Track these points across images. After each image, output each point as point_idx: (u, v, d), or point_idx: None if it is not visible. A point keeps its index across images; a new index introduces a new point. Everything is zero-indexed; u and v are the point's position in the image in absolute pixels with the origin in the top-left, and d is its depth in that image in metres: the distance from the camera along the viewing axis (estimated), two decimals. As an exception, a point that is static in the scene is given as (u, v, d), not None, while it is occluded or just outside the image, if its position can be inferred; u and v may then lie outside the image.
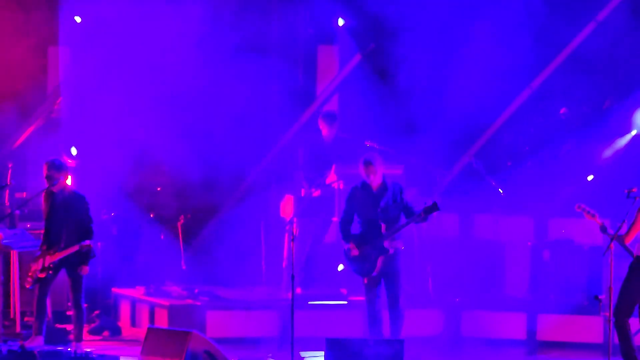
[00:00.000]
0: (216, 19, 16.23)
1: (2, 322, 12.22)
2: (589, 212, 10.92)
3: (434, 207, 10.79)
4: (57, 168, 11.89)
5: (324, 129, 14.23)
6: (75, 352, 11.77)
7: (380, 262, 10.77)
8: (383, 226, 10.80)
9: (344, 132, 14.88)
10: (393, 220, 10.66)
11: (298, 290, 13.19)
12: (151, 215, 16.30)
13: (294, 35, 16.85)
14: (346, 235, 10.88)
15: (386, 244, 10.66)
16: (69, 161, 15.11)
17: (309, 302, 13.70)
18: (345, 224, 10.97)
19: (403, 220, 10.83)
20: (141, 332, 12.39)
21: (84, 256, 12.11)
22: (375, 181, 10.83)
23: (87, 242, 12.03)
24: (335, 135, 14.31)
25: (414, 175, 14.91)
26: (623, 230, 10.95)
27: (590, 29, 16.32)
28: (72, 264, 12.03)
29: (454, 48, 15.96)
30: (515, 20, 15.73)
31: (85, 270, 12.11)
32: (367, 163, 10.94)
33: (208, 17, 16.16)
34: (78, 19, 16.66)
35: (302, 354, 12.42)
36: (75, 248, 12.02)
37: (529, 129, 16.70)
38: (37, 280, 11.66)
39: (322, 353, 11.26)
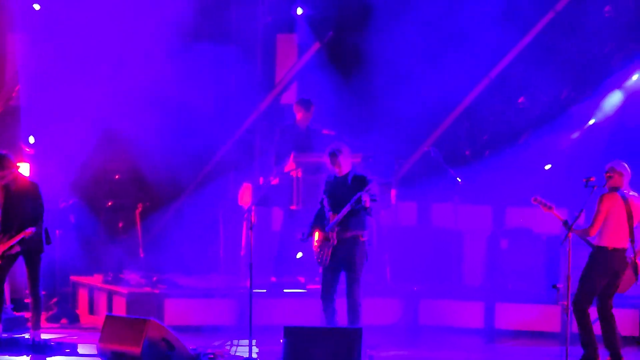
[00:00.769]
0: (175, 5, 16.03)
1: (-39, 310, 11.86)
2: (545, 205, 10.98)
3: (359, 200, 10.66)
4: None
5: (299, 114, 14.28)
6: (33, 340, 11.74)
7: (329, 252, 10.76)
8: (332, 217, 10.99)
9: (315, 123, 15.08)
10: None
11: (273, 279, 13.68)
12: (109, 204, 16.33)
13: (253, 23, 17.02)
14: (310, 224, 10.95)
15: (330, 235, 10.72)
16: (27, 149, 15.55)
17: (259, 291, 13.36)
18: (316, 214, 11.03)
19: (344, 211, 10.76)
20: (99, 319, 12.43)
21: (31, 243, 12.11)
22: (339, 173, 10.87)
23: (30, 229, 12.04)
24: (310, 121, 14.42)
25: (373, 164, 15.25)
26: (581, 220, 11.10)
27: (549, 18, 16.56)
28: (28, 252, 12.03)
29: (413, 36, 15.98)
30: (474, 9, 16.05)
31: (28, 233, 12.10)
32: (331, 154, 10.94)
33: (167, 4, 16.09)
34: (37, 7, 16.55)
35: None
36: (20, 236, 12.03)
37: (487, 118, 17.01)
38: (-6, 269, 11.37)
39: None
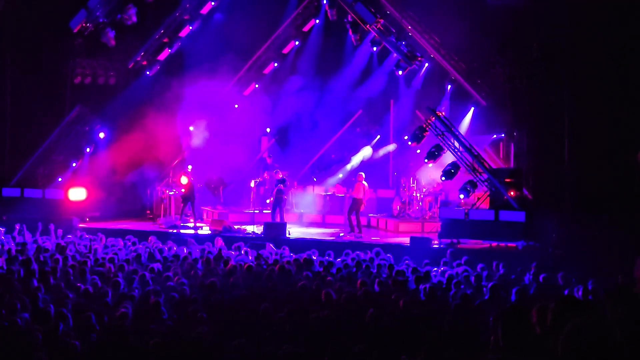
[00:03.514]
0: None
1: None
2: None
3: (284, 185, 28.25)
4: None
5: None
6: (195, 225, 27.45)
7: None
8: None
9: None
10: None
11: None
12: (212, 185, 32.72)
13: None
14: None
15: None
16: (189, 170, 29.58)
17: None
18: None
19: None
20: (209, 220, 29.26)
21: (190, 195, 27.71)
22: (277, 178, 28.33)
23: (184, 193, 27.99)
24: None
25: (290, 175, 30.80)
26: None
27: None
28: (191, 198, 27.95)
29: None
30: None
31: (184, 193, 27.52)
32: (275, 172, 28.60)
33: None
34: (191, 128, 31.75)
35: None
36: (185, 194, 27.82)
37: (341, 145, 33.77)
38: None
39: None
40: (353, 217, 26.80)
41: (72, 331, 11.49)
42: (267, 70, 34.12)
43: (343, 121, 33.80)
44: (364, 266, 18.05)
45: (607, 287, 12.49)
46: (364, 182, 26.96)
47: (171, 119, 30.77)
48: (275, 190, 28.12)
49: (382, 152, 32.59)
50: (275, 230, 25.71)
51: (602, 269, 17.07)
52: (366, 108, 33.67)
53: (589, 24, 24.00)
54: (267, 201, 29.79)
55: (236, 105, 33.64)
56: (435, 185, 29.38)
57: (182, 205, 28.36)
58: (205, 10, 30.91)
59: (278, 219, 27.68)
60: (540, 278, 16.10)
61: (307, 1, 31.85)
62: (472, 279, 16.12)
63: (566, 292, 14.15)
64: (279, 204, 28.02)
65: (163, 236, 24.62)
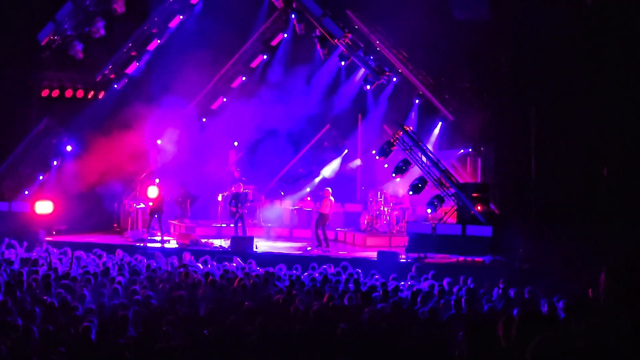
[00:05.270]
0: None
1: None
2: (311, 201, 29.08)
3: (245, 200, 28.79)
4: None
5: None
6: (162, 239, 27.03)
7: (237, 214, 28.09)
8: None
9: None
10: None
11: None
12: (180, 199, 32.34)
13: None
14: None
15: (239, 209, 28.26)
16: (157, 182, 29.19)
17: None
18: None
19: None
20: (175, 234, 29.35)
21: (158, 208, 27.65)
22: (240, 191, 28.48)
23: (151, 207, 27.60)
24: None
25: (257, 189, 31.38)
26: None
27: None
28: (159, 210, 27.76)
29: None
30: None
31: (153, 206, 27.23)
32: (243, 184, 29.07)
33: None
34: (159, 142, 31.93)
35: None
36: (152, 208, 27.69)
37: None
38: None
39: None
40: (320, 232, 26.89)
41: (37, 344, 11.43)
42: (235, 84, 34.26)
43: (311, 135, 33.96)
44: (334, 281, 18.03)
45: (573, 300, 12.59)
46: (331, 197, 27.07)
47: (139, 132, 30.73)
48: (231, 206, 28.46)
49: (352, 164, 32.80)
50: (242, 244, 25.66)
51: (569, 283, 17.13)
52: (334, 122, 33.85)
53: (556, 39, 24.47)
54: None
55: (204, 119, 33.84)
56: (402, 200, 29.81)
57: (148, 218, 28.29)
58: (173, 24, 31.10)
59: (240, 233, 27.82)
60: (509, 293, 16.24)
61: (275, 15, 32.09)
62: (437, 292, 16.16)
63: (533, 306, 14.21)
64: (240, 218, 28.27)
65: (130, 249, 24.61)
